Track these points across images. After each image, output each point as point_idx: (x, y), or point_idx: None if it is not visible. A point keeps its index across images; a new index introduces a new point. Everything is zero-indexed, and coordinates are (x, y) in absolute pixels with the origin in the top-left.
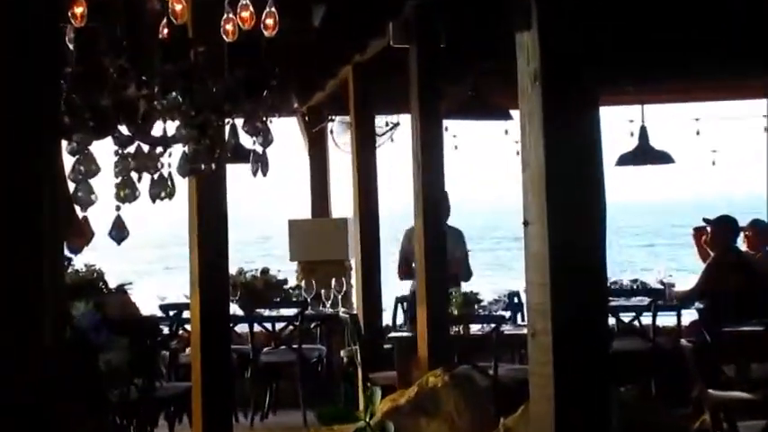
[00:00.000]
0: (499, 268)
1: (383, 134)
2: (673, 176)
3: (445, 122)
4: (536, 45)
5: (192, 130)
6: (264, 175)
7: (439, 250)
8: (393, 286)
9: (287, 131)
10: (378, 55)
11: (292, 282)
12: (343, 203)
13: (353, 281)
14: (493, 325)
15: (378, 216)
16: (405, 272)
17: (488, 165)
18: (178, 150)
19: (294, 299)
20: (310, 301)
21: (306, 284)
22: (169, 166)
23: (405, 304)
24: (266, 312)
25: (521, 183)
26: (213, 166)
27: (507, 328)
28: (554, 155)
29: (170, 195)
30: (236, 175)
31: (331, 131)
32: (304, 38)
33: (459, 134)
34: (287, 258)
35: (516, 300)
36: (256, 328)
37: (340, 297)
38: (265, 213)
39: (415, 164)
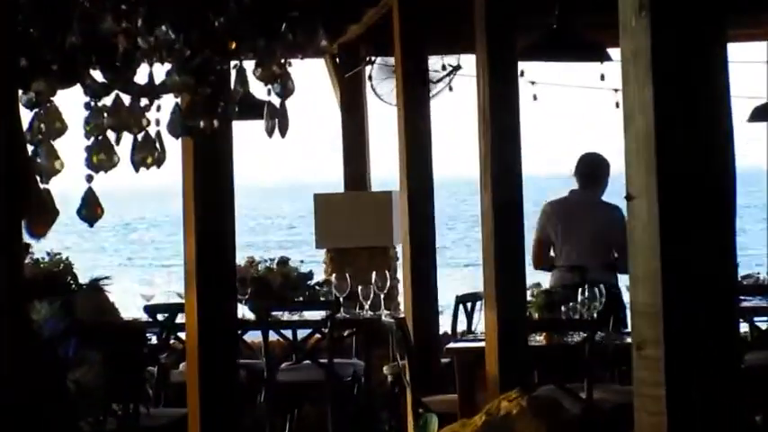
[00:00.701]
0: None
1: (439, 80)
2: None
3: (521, 65)
4: None
5: (186, 77)
6: (283, 135)
7: (513, 233)
8: (452, 281)
9: (312, 78)
10: None
11: (319, 276)
12: (386, 173)
13: (400, 274)
14: (585, 333)
15: (432, 189)
16: (541, 260)
17: (578, 121)
18: (169, 103)
19: (322, 298)
20: (343, 301)
21: (337, 279)
22: (157, 123)
23: (468, 305)
24: (285, 316)
25: (621, 145)
26: (215, 123)
27: (605, 337)
28: (667, 108)
29: (159, 162)
30: (246, 136)
31: (370, 77)
32: None
33: (540, 80)
34: (312, 245)
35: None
36: (272, 336)
37: (382, 296)
38: (284, 186)
39: (482, 120)
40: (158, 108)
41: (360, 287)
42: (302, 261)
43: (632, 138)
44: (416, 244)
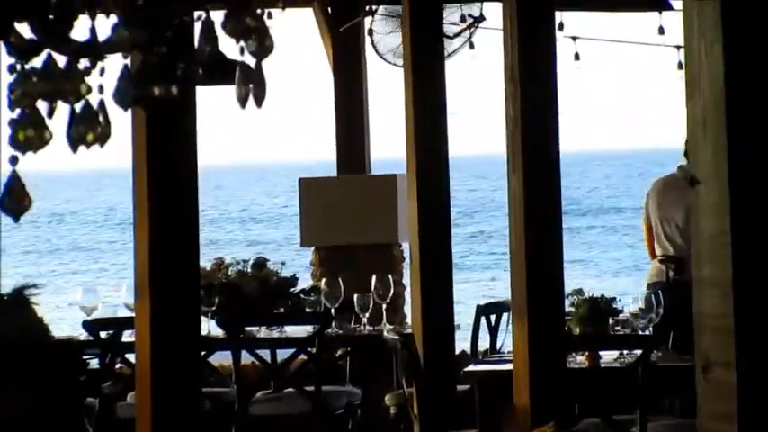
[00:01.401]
0: (633, 255)
1: (457, 35)
2: None
3: (559, 15)
4: None
5: (138, 31)
6: (259, 104)
7: (549, 225)
8: (472, 288)
9: (298, 33)
10: None
11: (305, 281)
12: (389, 152)
13: (407, 279)
14: (638, 352)
15: (447, 172)
16: (652, 250)
17: (630, 86)
18: (116, 65)
19: (309, 310)
20: (335, 313)
21: (328, 286)
22: (101, 90)
23: (492, 318)
24: (262, 332)
25: (683, 117)
26: (174, 90)
27: (663, 356)
28: (742, 70)
29: (102, 139)
30: (213, 106)
31: (370, 32)
32: None
33: (583, 36)
34: (296, 243)
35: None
36: (245, 358)
37: (384, 306)
38: (261, 169)
39: (510, 84)
40: (102, 72)
41: (356, 295)
42: (283, 263)
43: (699, 108)
44: (428, 241)
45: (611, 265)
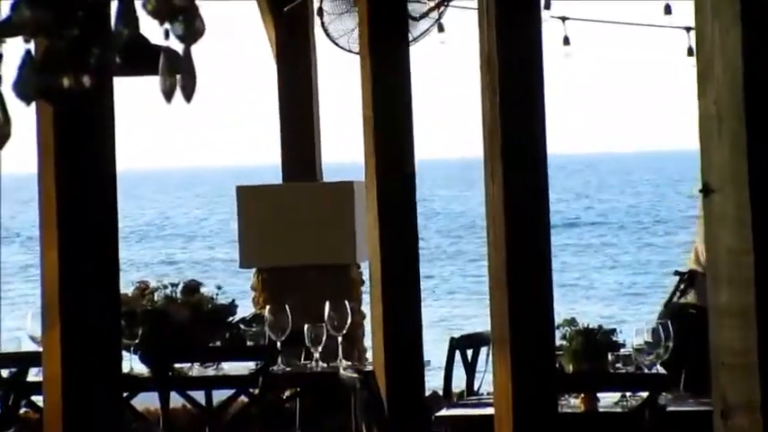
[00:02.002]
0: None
1: (423, 16)
2: None
3: None
4: None
5: (42, 11)
6: (188, 98)
7: (536, 240)
8: (443, 316)
9: (236, 14)
10: None
11: (246, 309)
12: (344, 155)
13: (367, 306)
14: (643, 394)
15: (413, 178)
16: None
17: (628, 75)
18: (16, 51)
19: (250, 343)
20: (282, 346)
21: (273, 314)
22: None
23: (469, 353)
24: (195, 370)
25: (695, 116)
26: (87, 80)
27: (671, 400)
28: (763, 58)
29: (0, 139)
30: (133, 99)
31: (320, 12)
32: None
33: (574, 16)
34: (235, 263)
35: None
36: (176, 400)
37: (340, 339)
38: (192, 174)
39: (486, 74)
40: None
41: (306, 326)
42: (219, 287)
43: (710, 100)
44: (392, 261)
45: (610, 289)
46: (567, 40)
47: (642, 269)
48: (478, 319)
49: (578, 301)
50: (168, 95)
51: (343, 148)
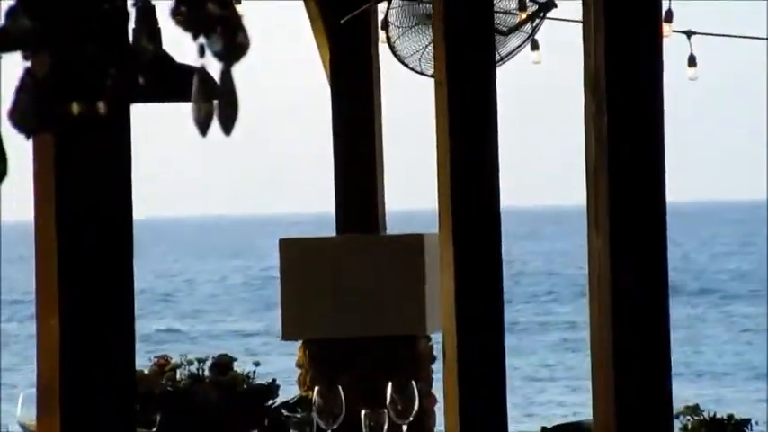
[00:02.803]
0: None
1: (513, 30)
2: None
3: (666, 2)
4: None
5: (47, 21)
6: (227, 129)
7: (656, 308)
8: (536, 400)
9: (284, 27)
10: None
11: (289, 390)
12: (412, 202)
13: (439, 389)
14: None
15: (498, 230)
16: None
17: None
18: (14, 71)
19: (294, 431)
20: None
21: (322, 397)
22: None
23: None
24: None
25: None
26: (101, 107)
27: None
28: None
29: None
30: (156, 129)
31: (385, 25)
32: None
33: (702, 29)
34: (277, 334)
35: None
36: None
37: (405, 429)
38: (225, 223)
39: (592, 102)
40: None
41: (363, 411)
42: (257, 363)
43: None
44: (471, 332)
45: (733, 368)
46: (692, 60)
47: None
48: (578, 407)
49: (702, 382)
50: (203, 126)
51: (411, 193)
